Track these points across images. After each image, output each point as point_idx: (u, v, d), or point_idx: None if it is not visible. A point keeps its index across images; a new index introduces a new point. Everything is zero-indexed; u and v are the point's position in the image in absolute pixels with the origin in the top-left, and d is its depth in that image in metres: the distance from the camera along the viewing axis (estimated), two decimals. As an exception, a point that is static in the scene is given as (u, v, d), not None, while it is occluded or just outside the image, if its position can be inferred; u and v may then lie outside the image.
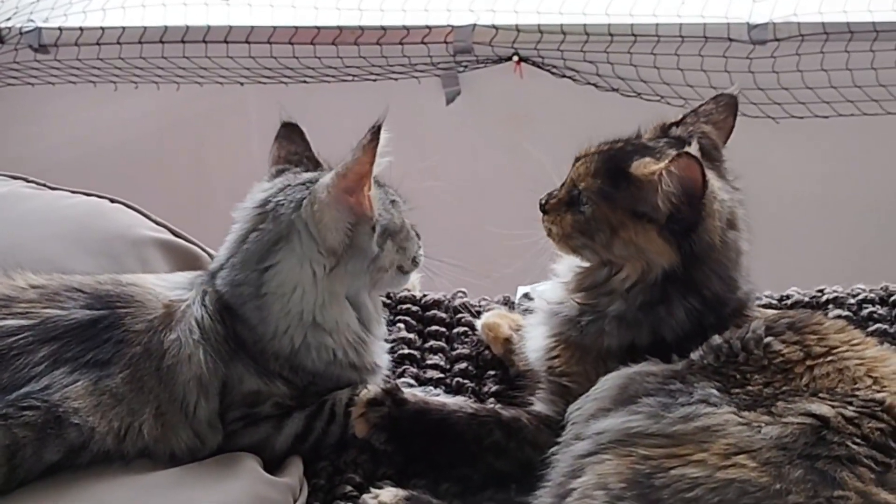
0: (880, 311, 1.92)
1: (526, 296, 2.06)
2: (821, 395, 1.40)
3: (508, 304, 2.07)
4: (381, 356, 1.77)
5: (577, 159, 1.71)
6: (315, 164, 1.76)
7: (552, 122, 3.00)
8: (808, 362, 1.47)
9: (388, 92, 3.05)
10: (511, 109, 3.07)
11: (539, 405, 1.67)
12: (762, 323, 1.55)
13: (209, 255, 2.00)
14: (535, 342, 1.73)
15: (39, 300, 1.60)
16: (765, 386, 1.43)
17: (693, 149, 1.54)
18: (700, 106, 1.77)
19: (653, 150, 1.65)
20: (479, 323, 1.94)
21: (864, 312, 1.91)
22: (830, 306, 1.94)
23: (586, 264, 1.69)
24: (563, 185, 1.71)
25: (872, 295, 1.96)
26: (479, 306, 2.02)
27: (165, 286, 1.70)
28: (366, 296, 1.74)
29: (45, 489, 1.48)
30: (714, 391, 1.42)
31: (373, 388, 1.65)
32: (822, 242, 3.03)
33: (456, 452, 1.63)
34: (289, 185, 1.69)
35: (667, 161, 1.55)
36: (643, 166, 1.59)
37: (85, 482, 1.50)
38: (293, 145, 1.79)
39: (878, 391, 1.41)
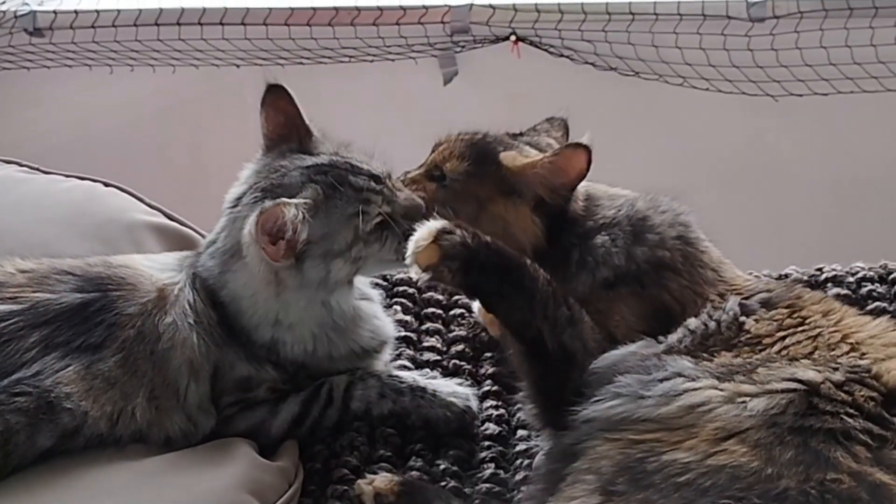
0: (879, 290, 1.91)
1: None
2: (801, 360, 1.40)
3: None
4: (378, 334, 1.75)
5: (438, 144, 1.77)
6: (307, 133, 1.69)
7: (550, 101, 2.98)
8: (779, 333, 1.48)
9: (385, 72, 3.04)
10: (509, 89, 3.05)
11: None
12: (736, 301, 1.55)
13: (204, 238, 1.99)
14: None
15: (29, 284, 1.60)
16: (734, 358, 1.44)
17: (586, 139, 1.63)
18: (536, 126, 1.87)
19: (513, 146, 1.75)
20: (475, 305, 1.94)
21: (864, 291, 1.90)
22: (829, 285, 1.93)
23: None
24: (422, 165, 1.76)
25: (871, 273, 1.95)
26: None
27: (156, 267, 1.69)
28: (332, 297, 1.67)
29: (40, 475, 1.48)
30: (688, 364, 1.42)
31: (439, 220, 1.52)
32: (821, 221, 3.03)
33: (518, 307, 1.53)
34: (253, 187, 1.64)
35: (558, 149, 1.67)
36: (512, 158, 1.69)
37: (79, 468, 1.50)
38: (281, 115, 1.69)
39: (860, 357, 1.41)
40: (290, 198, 1.55)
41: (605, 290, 1.62)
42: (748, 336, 1.49)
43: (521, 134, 1.83)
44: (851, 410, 1.31)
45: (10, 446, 1.46)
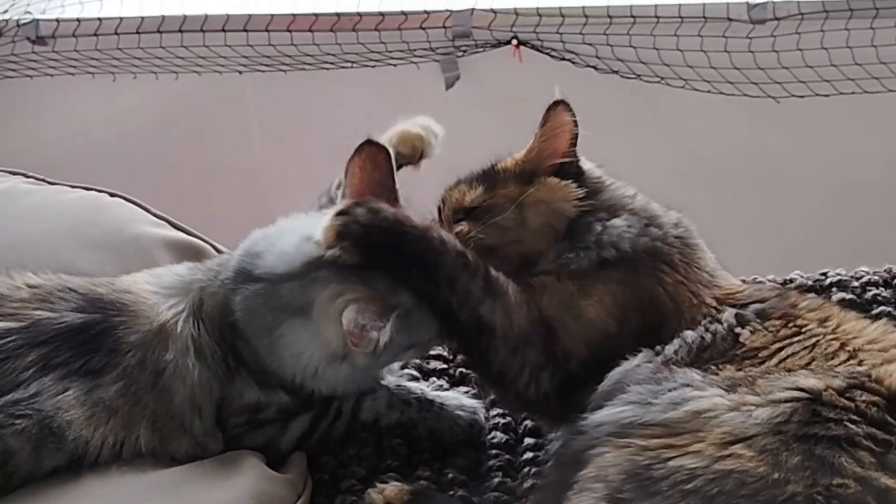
0: (884, 294, 1.90)
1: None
2: (799, 371, 1.40)
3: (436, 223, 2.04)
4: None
5: (443, 201, 1.75)
6: (394, 197, 1.58)
7: (552, 105, 2.99)
8: (775, 345, 1.47)
9: (387, 78, 3.04)
10: (511, 93, 3.05)
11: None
12: (733, 313, 1.55)
13: (212, 246, 1.99)
14: None
15: (31, 301, 1.58)
16: (737, 371, 1.43)
17: (557, 94, 1.67)
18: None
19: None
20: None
21: (868, 295, 1.89)
22: (834, 289, 1.92)
23: None
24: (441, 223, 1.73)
25: (876, 277, 1.94)
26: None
27: (161, 293, 1.64)
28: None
29: (47, 486, 1.47)
30: (696, 376, 1.42)
31: (346, 201, 1.53)
32: (824, 225, 3.03)
33: (422, 279, 1.52)
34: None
35: (541, 121, 1.69)
36: (509, 158, 1.74)
37: (87, 479, 1.49)
38: (378, 172, 1.57)
39: (859, 364, 1.41)
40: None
41: (596, 268, 1.61)
42: (744, 349, 1.48)
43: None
44: (855, 417, 1.31)
45: (9, 467, 1.45)
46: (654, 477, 1.29)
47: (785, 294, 1.62)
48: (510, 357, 1.52)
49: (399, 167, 1.67)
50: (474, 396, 1.74)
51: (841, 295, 1.90)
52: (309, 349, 1.56)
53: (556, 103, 1.66)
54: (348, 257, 1.52)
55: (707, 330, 1.52)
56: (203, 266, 1.71)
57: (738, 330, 1.51)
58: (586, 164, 1.72)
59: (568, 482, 1.36)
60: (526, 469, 1.64)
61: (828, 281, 1.95)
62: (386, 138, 1.73)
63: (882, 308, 1.84)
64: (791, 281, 1.97)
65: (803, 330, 1.50)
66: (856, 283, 1.93)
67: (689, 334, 1.52)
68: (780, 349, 1.46)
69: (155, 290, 1.65)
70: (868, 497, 1.22)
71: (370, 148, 1.56)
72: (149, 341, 1.57)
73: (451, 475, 1.63)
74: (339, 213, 1.50)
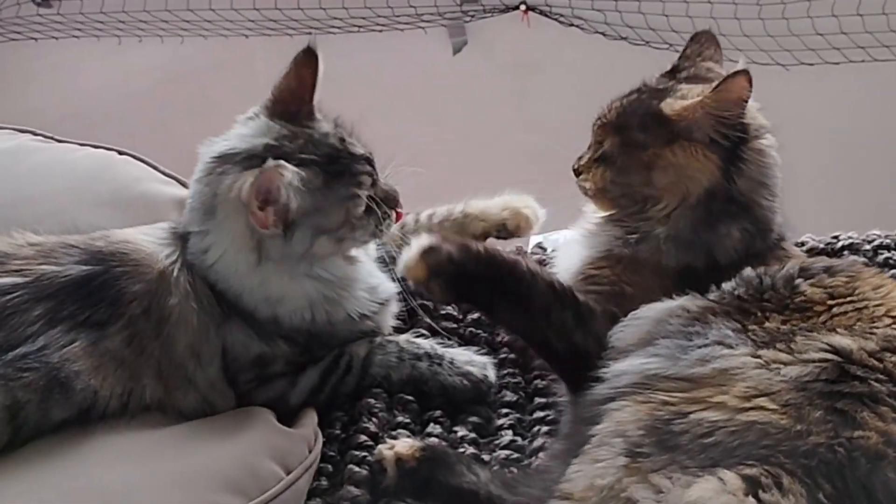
0: (896, 257, 1.90)
1: (539, 245, 2.05)
2: (838, 330, 1.40)
3: (521, 254, 2.05)
4: (376, 294, 1.73)
5: (596, 122, 1.74)
6: (309, 111, 1.64)
7: (560, 71, 2.98)
8: (829, 302, 1.47)
9: (394, 43, 3.03)
10: (518, 58, 3.05)
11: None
12: (798, 263, 1.55)
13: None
14: (568, 261, 1.73)
15: (35, 257, 1.57)
16: (782, 324, 1.43)
17: (742, 64, 1.60)
18: (684, 50, 1.82)
19: (668, 91, 1.70)
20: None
21: (880, 258, 1.89)
22: (846, 252, 1.92)
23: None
24: (589, 147, 1.74)
25: (888, 241, 1.95)
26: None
27: (155, 243, 1.65)
28: (315, 269, 1.65)
29: (58, 442, 1.47)
30: (730, 332, 1.41)
31: (428, 237, 1.57)
32: (836, 188, 3.02)
33: (518, 317, 1.56)
34: (233, 152, 1.60)
35: (717, 83, 1.59)
36: (670, 106, 1.64)
37: (98, 434, 1.48)
38: (296, 82, 1.64)
39: None
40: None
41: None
42: (801, 299, 1.47)
43: (676, 69, 1.78)
44: (881, 377, 1.31)
45: (19, 420, 1.44)
46: (675, 431, 1.29)
47: (853, 261, 1.64)
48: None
49: (500, 236, 1.87)
50: (484, 355, 1.73)
51: (853, 258, 1.89)
52: (228, 250, 1.59)
53: (740, 73, 1.58)
54: (440, 294, 1.57)
55: (767, 273, 1.52)
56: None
57: (798, 281, 1.51)
58: (763, 140, 1.68)
59: (584, 435, 1.36)
60: (536, 428, 1.64)
61: (839, 244, 1.95)
62: (496, 206, 1.89)
63: (893, 271, 1.84)
64: (803, 244, 1.96)
65: (856, 292, 1.49)
66: (867, 247, 1.94)
67: (748, 271, 1.53)
68: (831, 307, 1.46)
69: (152, 240, 1.66)
70: (889, 450, 1.22)
71: (301, 57, 1.64)
72: (152, 288, 1.58)
73: (461, 433, 1.63)
74: (427, 251, 1.52)
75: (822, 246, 1.95)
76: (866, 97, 2.95)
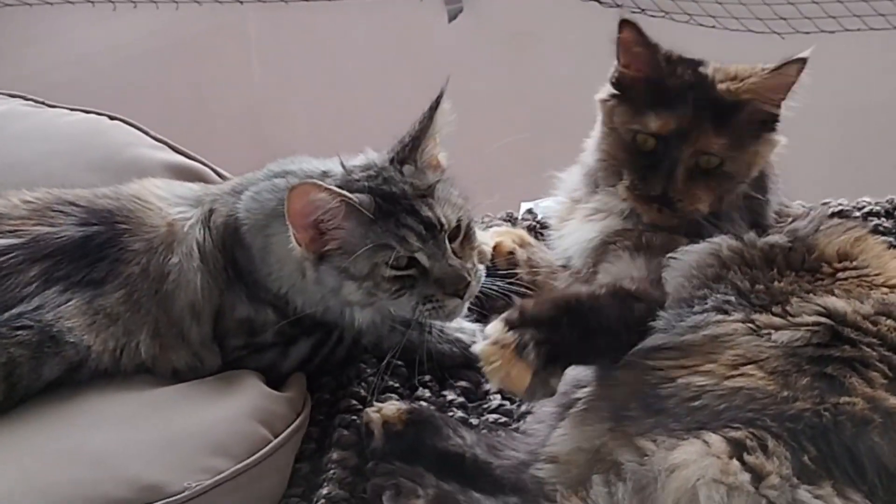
0: (885, 224, 1.91)
1: (529, 211, 2.05)
2: (836, 292, 1.40)
3: (512, 220, 2.05)
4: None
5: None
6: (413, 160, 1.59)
7: (556, 38, 2.97)
8: (836, 264, 1.47)
9: (388, 10, 3.02)
10: (514, 27, 3.04)
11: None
12: (819, 212, 1.60)
13: (213, 170, 1.99)
14: (580, 235, 1.67)
15: (30, 217, 1.58)
16: (789, 285, 1.43)
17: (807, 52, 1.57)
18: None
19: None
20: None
21: (870, 225, 1.88)
22: (835, 219, 1.91)
23: None
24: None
25: (878, 208, 1.95)
26: (483, 223, 2.01)
27: (169, 200, 1.66)
28: (349, 309, 1.62)
29: (49, 404, 1.49)
30: (732, 297, 1.41)
31: (498, 328, 1.37)
32: (827, 155, 3.02)
33: (612, 347, 1.41)
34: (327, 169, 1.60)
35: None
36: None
37: (87, 397, 1.51)
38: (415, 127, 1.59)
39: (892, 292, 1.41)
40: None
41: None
42: (815, 256, 1.48)
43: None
44: (874, 340, 1.32)
45: (14, 377, 1.47)
46: (661, 395, 1.30)
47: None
48: None
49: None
50: (474, 321, 1.73)
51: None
52: (286, 250, 1.55)
53: (797, 60, 1.57)
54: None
55: (801, 225, 1.55)
56: (219, 186, 1.73)
57: (818, 231, 1.53)
58: None
59: (571, 398, 1.37)
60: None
61: (829, 211, 1.94)
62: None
63: (884, 238, 1.83)
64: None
65: (865, 250, 1.50)
66: (857, 213, 1.94)
67: (791, 225, 1.56)
68: (836, 271, 1.46)
69: (165, 195, 1.66)
70: (875, 415, 1.23)
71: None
72: (154, 246, 1.59)
73: (450, 397, 1.64)
74: (518, 347, 1.33)
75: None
76: (860, 64, 2.94)
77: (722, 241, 1.50)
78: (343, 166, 1.58)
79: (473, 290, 1.57)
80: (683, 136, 1.57)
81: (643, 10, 2.88)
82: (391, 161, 1.57)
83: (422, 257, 1.52)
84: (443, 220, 1.53)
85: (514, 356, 1.33)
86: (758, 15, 2.76)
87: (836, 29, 2.77)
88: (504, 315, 1.38)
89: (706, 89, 1.59)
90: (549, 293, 1.55)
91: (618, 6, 2.90)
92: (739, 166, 1.60)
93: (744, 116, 1.59)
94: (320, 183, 1.48)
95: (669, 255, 1.51)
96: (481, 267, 1.61)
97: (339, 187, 1.50)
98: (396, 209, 1.51)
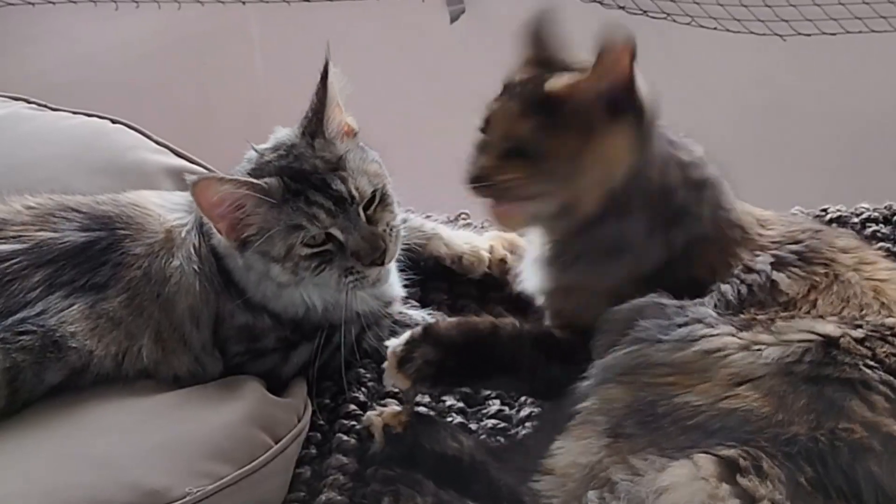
0: (884, 230, 1.90)
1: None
2: (825, 318, 1.38)
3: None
4: (381, 295, 1.72)
5: (489, 115, 1.59)
6: (321, 133, 1.61)
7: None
8: (812, 296, 1.43)
9: (390, 10, 3.01)
10: (517, 28, 3.04)
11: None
12: (768, 257, 1.48)
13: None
14: (533, 284, 1.65)
15: (33, 222, 1.60)
16: (762, 313, 1.41)
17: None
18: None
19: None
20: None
21: (868, 231, 1.90)
22: (834, 225, 1.91)
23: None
24: (484, 145, 1.57)
25: (876, 214, 1.95)
26: (484, 228, 2.01)
27: (166, 207, 1.68)
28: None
29: (50, 411, 1.50)
30: (710, 311, 1.40)
31: (399, 342, 1.51)
32: (826, 161, 3.02)
33: (508, 381, 1.57)
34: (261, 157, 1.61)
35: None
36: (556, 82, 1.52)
37: (89, 404, 1.51)
38: (315, 97, 1.61)
39: (888, 316, 1.38)
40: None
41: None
42: (785, 299, 1.42)
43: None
44: (872, 363, 1.29)
45: (17, 382, 1.48)
46: (658, 413, 1.30)
47: (815, 231, 1.55)
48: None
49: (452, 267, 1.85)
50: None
51: (841, 231, 1.89)
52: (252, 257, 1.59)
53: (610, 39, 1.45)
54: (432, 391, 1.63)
55: (743, 282, 1.45)
56: None
57: (776, 277, 1.45)
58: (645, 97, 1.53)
59: (569, 412, 1.37)
60: (523, 398, 1.66)
61: (828, 217, 1.95)
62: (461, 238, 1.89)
63: (881, 244, 1.84)
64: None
65: (840, 278, 1.44)
66: (856, 220, 1.94)
67: (723, 287, 1.45)
68: (816, 300, 1.42)
69: (162, 202, 1.68)
70: (874, 442, 1.22)
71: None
72: (155, 251, 1.60)
73: (449, 402, 1.65)
74: (402, 361, 1.50)
75: (810, 218, 1.94)
76: (861, 68, 2.94)
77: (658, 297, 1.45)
78: (255, 150, 1.61)
79: (393, 253, 1.60)
80: None
81: (645, 11, 2.88)
82: (302, 135, 1.59)
83: (336, 232, 1.54)
84: (354, 192, 1.54)
85: (397, 367, 1.50)
86: (758, 17, 2.76)
87: (837, 31, 2.77)
88: (418, 327, 1.52)
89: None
90: (474, 318, 1.58)
91: (620, 8, 2.90)
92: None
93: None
94: (221, 175, 1.53)
95: (601, 320, 1.48)
96: (398, 222, 1.62)
97: (253, 171, 1.55)
98: (306, 187, 1.53)
